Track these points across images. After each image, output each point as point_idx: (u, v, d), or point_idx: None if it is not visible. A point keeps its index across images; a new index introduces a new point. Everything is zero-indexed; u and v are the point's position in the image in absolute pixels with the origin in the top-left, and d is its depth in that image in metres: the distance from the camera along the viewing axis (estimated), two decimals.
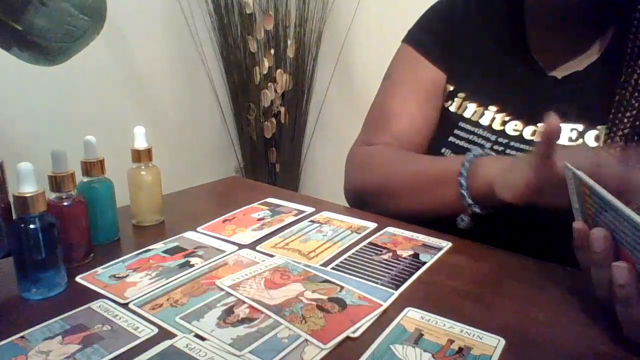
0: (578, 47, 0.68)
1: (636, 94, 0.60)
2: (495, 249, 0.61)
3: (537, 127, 0.67)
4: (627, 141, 0.60)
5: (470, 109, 0.72)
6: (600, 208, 0.43)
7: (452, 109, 0.74)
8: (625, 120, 0.60)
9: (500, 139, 0.69)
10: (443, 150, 0.73)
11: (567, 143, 0.64)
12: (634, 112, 0.60)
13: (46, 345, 0.42)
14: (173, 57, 1.84)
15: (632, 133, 0.60)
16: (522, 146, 0.67)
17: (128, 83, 1.71)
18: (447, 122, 0.75)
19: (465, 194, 0.61)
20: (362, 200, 0.77)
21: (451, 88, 0.76)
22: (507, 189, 0.54)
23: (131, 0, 1.64)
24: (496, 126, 0.70)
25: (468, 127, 0.72)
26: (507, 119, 0.70)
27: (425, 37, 0.79)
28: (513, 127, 0.69)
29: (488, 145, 0.69)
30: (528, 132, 0.68)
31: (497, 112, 0.71)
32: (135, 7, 1.66)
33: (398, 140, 0.76)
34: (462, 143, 0.71)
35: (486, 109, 0.71)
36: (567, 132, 0.65)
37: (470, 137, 0.71)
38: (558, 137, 0.50)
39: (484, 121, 0.71)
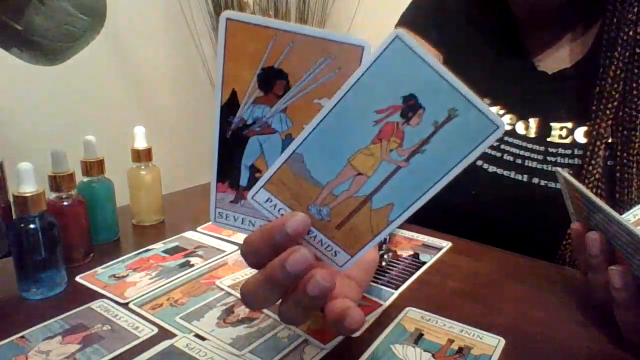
0: (566, 43, 0.68)
1: (615, 85, 0.60)
2: (495, 249, 0.61)
3: (529, 122, 0.67)
4: (612, 132, 0.60)
5: None
6: (591, 211, 0.43)
7: None
8: (608, 112, 0.60)
9: None
10: None
11: (557, 140, 0.64)
12: (615, 102, 0.60)
13: (46, 345, 0.42)
14: (173, 57, 1.84)
15: (616, 124, 0.60)
16: (515, 141, 0.67)
17: (128, 83, 1.71)
18: None
19: None
20: None
21: None
22: None
23: (131, 0, 1.64)
24: None
25: None
26: (501, 112, 0.69)
27: (421, 20, 0.78)
28: (507, 121, 0.69)
29: None
30: (520, 127, 0.67)
31: (491, 105, 0.70)
32: (135, 7, 1.66)
33: None
34: None
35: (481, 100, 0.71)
36: (558, 129, 0.65)
37: None
38: None
39: None
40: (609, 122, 0.60)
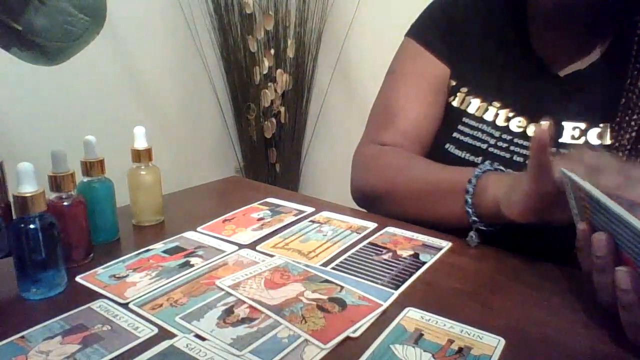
0: (580, 46, 0.68)
1: None
2: (495, 249, 0.61)
3: (540, 124, 0.67)
4: (634, 143, 0.60)
5: (474, 105, 0.72)
6: (597, 212, 0.43)
7: (455, 104, 0.74)
8: (633, 123, 0.60)
9: (504, 135, 0.69)
10: (447, 145, 0.73)
11: (569, 141, 0.64)
12: None
13: (46, 345, 0.42)
14: (173, 57, 1.84)
15: (638, 135, 0.60)
16: (525, 143, 0.67)
17: (128, 83, 1.71)
18: (450, 118, 0.75)
19: (470, 211, 0.60)
20: (369, 201, 0.77)
21: (453, 83, 0.75)
22: (512, 207, 0.54)
23: (131, 0, 1.64)
24: (500, 122, 0.70)
25: (472, 122, 0.72)
26: (511, 115, 0.69)
27: (429, 31, 0.78)
28: (517, 124, 0.69)
29: (492, 141, 0.69)
30: (532, 130, 0.67)
31: (501, 108, 0.70)
32: (135, 7, 1.66)
33: (404, 137, 0.76)
34: (465, 139, 0.71)
35: (490, 104, 0.71)
36: (570, 130, 0.65)
37: (474, 132, 0.71)
38: (549, 143, 0.49)
39: (488, 117, 0.71)
40: (633, 134, 0.60)
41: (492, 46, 0.74)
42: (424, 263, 0.57)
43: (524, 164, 0.65)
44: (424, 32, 0.79)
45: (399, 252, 0.60)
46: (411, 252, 0.60)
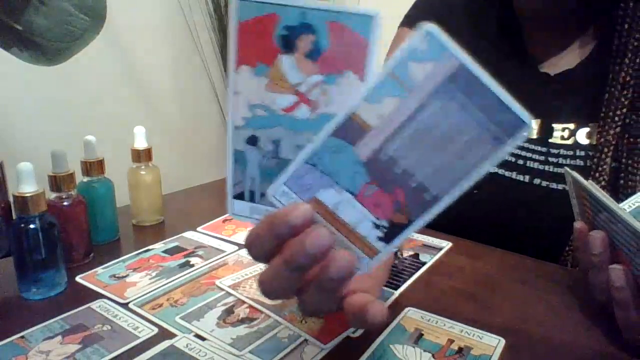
0: (569, 44, 0.68)
1: (625, 92, 0.60)
2: (495, 249, 0.61)
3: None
4: (619, 139, 0.60)
5: None
6: (597, 211, 0.43)
7: None
8: (617, 119, 0.60)
9: None
10: None
11: (558, 141, 0.64)
12: (624, 109, 0.60)
13: (46, 345, 0.42)
14: (173, 57, 1.84)
15: (622, 131, 0.60)
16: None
17: (128, 83, 1.71)
18: None
19: None
20: None
21: None
22: None
23: (132, 0, 1.64)
24: None
25: None
26: None
27: (422, 17, 0.78)
28: None
29: None
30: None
31: None
32: (135, 7, 1.66)
33: None
34: None
35: None
36: (559, 130, 0.65)
37: None
38: None
39: None
40: (617, 129, 0.60)
41: (485, 46, 0.73)
42: (424, 263, 0.57)
43: (515, 163, 0.65)
44: (418, 20, 0.79)
45: (399, 252, 0.60)
46: (411, 252, 0.60)
